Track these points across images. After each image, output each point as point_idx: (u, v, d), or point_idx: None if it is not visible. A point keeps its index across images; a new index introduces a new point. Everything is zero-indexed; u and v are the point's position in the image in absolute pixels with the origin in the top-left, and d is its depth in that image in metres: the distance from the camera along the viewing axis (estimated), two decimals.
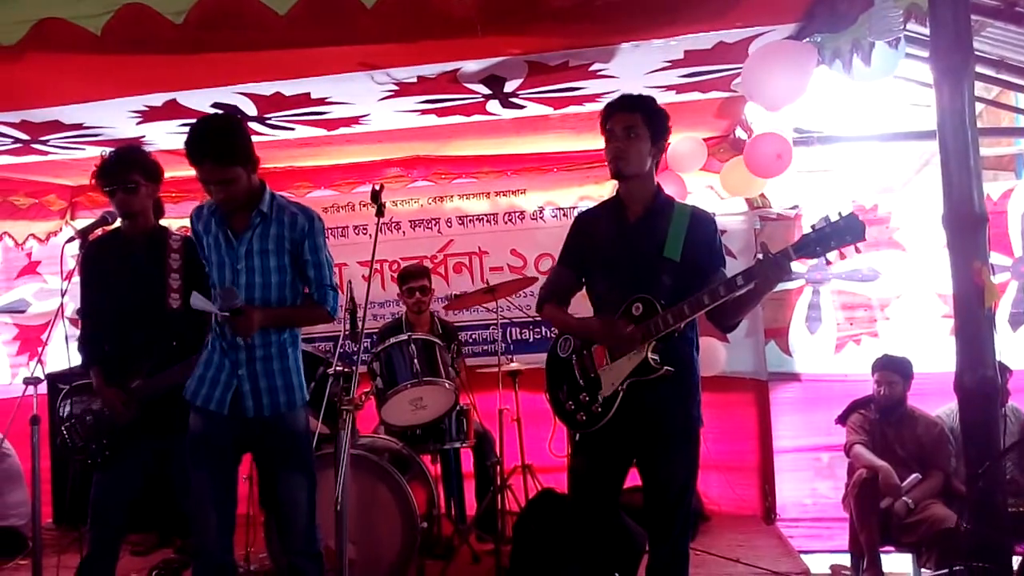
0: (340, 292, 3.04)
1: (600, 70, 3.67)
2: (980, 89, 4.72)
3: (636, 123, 2.71)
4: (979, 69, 3.88)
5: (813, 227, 2.46)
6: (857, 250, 2.42)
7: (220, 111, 3.92)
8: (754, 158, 4.54)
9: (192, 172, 2.80)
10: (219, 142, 2.74)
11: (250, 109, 3.97)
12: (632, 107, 2.75)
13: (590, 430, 2.74)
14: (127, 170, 3.18)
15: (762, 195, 5.14)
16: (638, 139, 2.71)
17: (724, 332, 2.81)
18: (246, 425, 2.88)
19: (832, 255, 2.46)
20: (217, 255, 2.91)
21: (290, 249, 2.88)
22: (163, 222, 3.40)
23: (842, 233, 2.40)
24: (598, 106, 4.18)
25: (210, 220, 2.92)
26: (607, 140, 2.76)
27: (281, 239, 2.87)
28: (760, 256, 2.50)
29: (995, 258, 2.80)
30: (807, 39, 3.28)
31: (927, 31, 2.81)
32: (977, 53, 3.13)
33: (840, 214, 2.43)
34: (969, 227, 2.65)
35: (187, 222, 5.57)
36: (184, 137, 4.25)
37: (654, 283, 2.66)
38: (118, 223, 3.27)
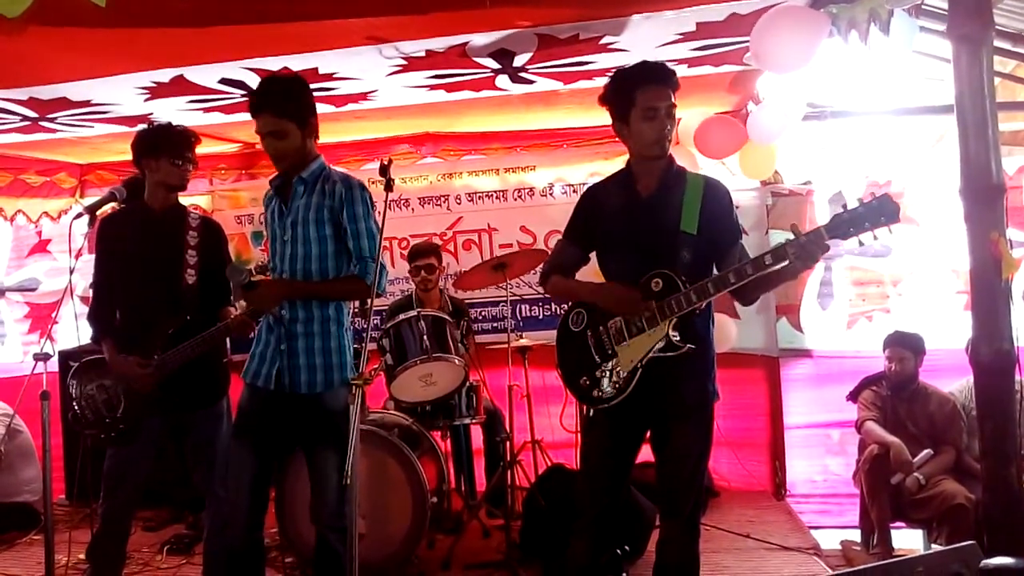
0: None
1: (611, 43, 3.62)
2: (996, 63, 4.62)
3: (673, 101, 2.61)
4: (996, 43, 3.80)
5: (845, 207, 2.38)
6: (890, 231, 2.34)
7: (227, 88, 3.91)
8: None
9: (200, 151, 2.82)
10: (279, 94, 2.82)
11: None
12: (668, 80, 2.62)
13: (607, 406, 2.70)
14: (192, 147, 3.27)
15: (775, 171, 5.09)
16: (675, 118, 2.64)
17: (744, 305, 2.75)
18: (288, 401, 2.89)
19: (865, 236, 2.37)
20: (271, 227, 2.97)
21: (331, 219, 2.87)
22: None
23: (876, 214, 2.32)
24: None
25: (273, 192, 2.99)
26: (645, 117, 2.62)
27: (321, 208, 2.86)
28: (792, 237, 2.42)
29: (1011, 233, 2.75)
30: (823, 9, 3.22)
31: (943, 3, 2.75)
32: (994, 27, 3.08)
33: (873, 195, 2.35)
34: (987, 198, 2.62)
35: (196, 199, 5.64)
36: (193, 114, 4.32)
37: (674, 258, 2.60)
38: (113, 204, 3.27)
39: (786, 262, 2.42)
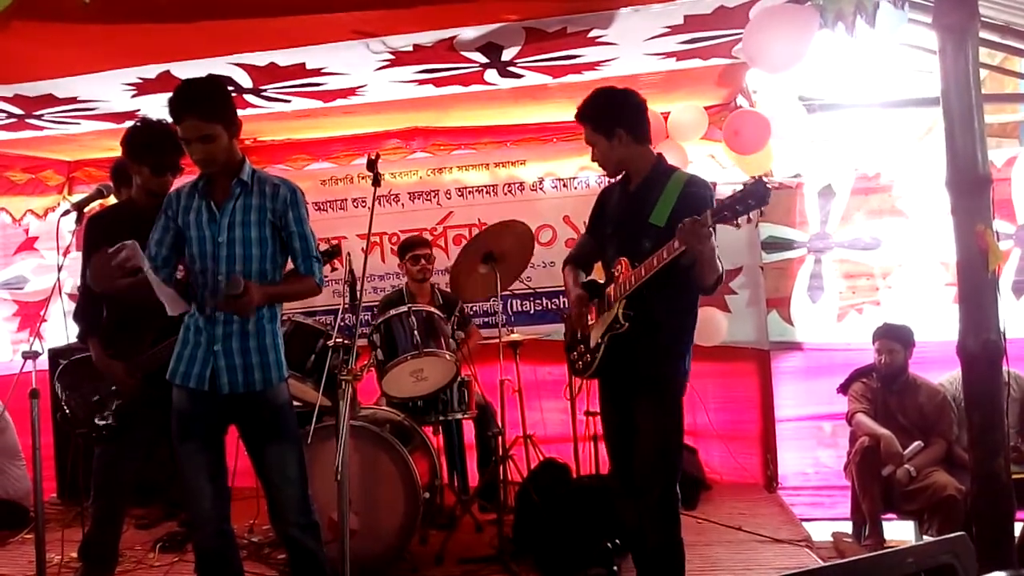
0: (340, 263, 3.02)
1: (599, 37, 3.62)
2: (984, 55, 4.63)
3: (588, 133, 2.98)
4: (983, 35, 3.82)
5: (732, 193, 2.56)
6: (761, 214, 2.49)
7: None
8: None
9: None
10: (203, 96, 2.73)
11: (245, 81, 3.92)
12: (578, 118, 3.01)
13: (584, 377, 3.12)
14: (176, 154, 3.22)
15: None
16: (596, 146, 2.98)
17: (703, 293, 2.90)
18: (226, 401, 2.84)
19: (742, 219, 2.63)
20: (198, 230, 2.83)
21: (272, 220, 2.82)
22: None
23: (746, 199, 2.48)
24: (597, 74, 4.16)
25: (193, 194, 2.86)
26: None
27: (263, 210, 2.81)
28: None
29: (999, 225, 2.78)
30: (809, 2, 3.23)
31: None
32: (981, 18, 3.08)
33: (754, 178, 2.52)
34: (973, 189, 2.62)
35: None
36: None
37: (636, 247, 2.81)
38: (101, 201, 3.26)
39: (685, 245, 2.59)
